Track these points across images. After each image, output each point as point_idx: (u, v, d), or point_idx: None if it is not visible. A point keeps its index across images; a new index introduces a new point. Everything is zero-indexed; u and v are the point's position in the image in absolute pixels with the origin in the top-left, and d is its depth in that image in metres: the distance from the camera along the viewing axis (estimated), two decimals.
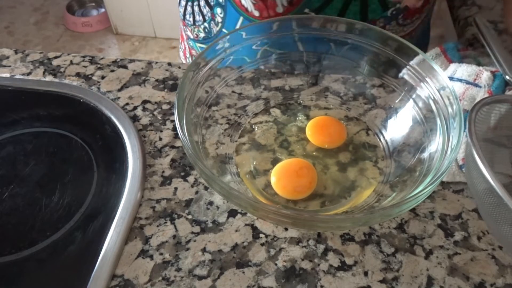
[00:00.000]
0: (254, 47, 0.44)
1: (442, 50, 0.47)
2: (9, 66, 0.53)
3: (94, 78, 0.51)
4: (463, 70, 0.42)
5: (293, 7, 0.49)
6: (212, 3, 0.54)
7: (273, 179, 0.39)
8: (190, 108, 0.39)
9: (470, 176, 0.34)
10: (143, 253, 0.36)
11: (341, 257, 0.35)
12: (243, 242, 0.36)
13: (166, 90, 0.49)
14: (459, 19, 0.60)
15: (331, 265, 0.35)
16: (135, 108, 0.48)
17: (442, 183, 0.40)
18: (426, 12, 0.57)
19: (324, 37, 0.44)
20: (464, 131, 0.33)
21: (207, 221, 0.38)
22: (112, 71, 0.52)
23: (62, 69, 0.52)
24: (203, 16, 0.56)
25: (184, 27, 0.63)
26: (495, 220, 0.32)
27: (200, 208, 0.39)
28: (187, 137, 0.34)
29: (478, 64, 0.45)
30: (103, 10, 1.96)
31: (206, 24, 0.57)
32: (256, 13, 0.51)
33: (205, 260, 0.35)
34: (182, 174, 0.41)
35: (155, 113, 0.47)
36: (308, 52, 0.47)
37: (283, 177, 0.39)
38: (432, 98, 0.39)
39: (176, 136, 0.45)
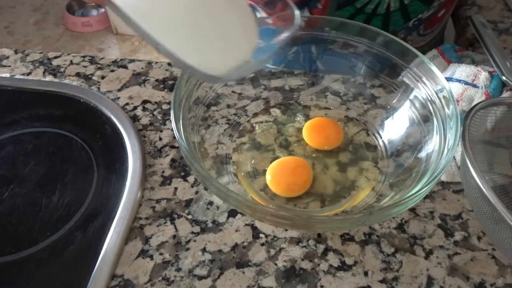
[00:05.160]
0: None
1: (439, 52, 0.47)
2: (9, 66, 0.53)
3: (94, 78, 0.51)
4: (462, 70, 0.42)
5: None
6: None
7: (268, 176, 0.39)
8: (188, 108, 0.39)
9: (465, 180, 0.34)
10: (143, 253, 0.36)
11: (341, 257, 0.35)
12: (243, 242, 0.36)
13: (166, 90, 0.49)
14: (459, 19, 0.60)
15: (331, 265, 0.35)
16: (135, 108, 0.48)
17: (442, 183, 0.40)
18: (445, 20, 0.57)
19: (320, 38, 0.44)
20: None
21: (207, 221, 0.38)
22: (112, 71, 0.52)
23: (62, 69, 0.52)
24: None
25: None
26: (491, 223, 0.32)
27: (200, 208, 0.39)
28: (183, 138, 0.34)
29: (473, 62, 0.45)
30: (103, 10, 1.96)
31: None
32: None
33: (205, 260, 0.35)
34: (182, 174, 0.41)
35: (155, 113, 0.47)
36: (305, 53, 0.47)
37: (278, 174, 0.39)
38: (429, 99, 0.39)
39: None
